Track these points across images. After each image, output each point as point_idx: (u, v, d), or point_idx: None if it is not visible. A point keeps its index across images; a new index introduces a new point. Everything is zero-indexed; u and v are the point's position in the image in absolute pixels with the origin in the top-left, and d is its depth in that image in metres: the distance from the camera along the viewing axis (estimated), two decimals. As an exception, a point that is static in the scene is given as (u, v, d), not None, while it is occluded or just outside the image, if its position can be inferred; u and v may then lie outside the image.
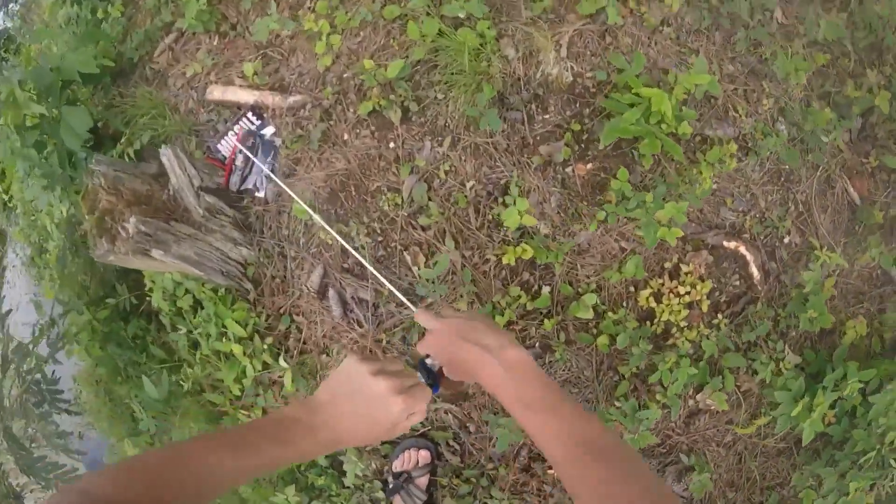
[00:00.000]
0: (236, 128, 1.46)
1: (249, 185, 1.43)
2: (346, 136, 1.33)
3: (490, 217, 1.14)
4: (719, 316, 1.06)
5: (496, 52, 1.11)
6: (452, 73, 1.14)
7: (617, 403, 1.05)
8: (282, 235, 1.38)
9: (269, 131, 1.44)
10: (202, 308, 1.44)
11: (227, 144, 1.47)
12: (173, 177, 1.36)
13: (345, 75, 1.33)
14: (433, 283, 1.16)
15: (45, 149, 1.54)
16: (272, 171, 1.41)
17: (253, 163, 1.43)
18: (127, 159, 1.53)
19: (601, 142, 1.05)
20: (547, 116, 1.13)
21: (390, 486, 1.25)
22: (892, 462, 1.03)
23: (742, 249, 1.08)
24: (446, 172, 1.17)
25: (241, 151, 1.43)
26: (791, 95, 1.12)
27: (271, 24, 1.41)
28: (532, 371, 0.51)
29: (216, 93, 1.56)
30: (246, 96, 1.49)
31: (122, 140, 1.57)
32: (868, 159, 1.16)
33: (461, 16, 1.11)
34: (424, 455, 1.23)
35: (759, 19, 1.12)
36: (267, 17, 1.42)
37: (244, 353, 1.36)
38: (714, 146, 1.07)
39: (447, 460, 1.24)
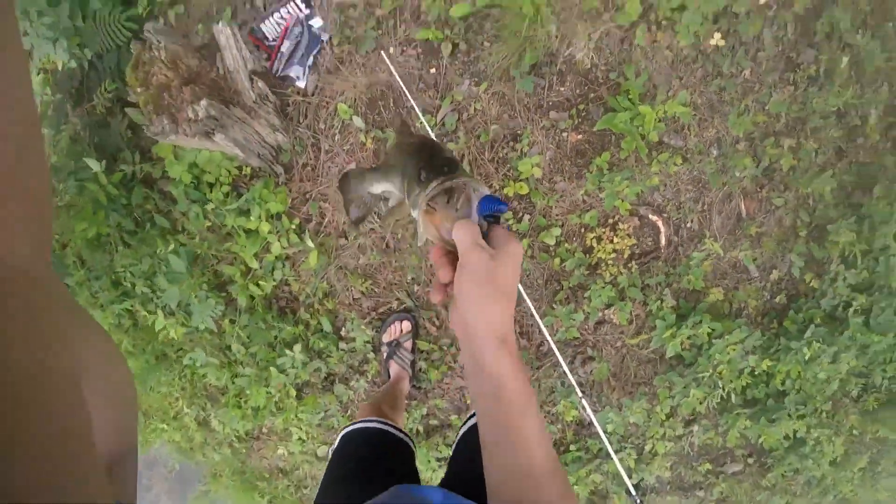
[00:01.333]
0: (284, 11, 1.51)
1: (291, 72, 1.52)
2: (391, 50, 1.51)
3: (501, 154, 1.48)
4: (633, 263, 1.56)
5: (544, 25, 1.40)
6: (502, 24, 1.41)
7: (555, 306, 1.54)
8: (318, 128, 1.53)
9: (316, 23, 1.51)
10: (224, 185, 1.54)
11: (273, 27, 1.51)
12: (228, 57, 1.40)
13: (406, 2, 1.45)
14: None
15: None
16: (314, 64, 1.51)
17: (296, 50, 1.51)
18: (163, 23, 1.51)
19: (596, 125, 1.43)
20: (562, 89, 1.46)
21: (384, 353, 1.60)
22: (719, 384, 1.66)
23: (659, 223, 1.56)
24: (476, 110, 1.48)
25: (287, 38, 1.54)
26: (729, 133, 1.57)
27: None
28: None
29: None
30: None
31: (143, 1, 1.50)
32: (761, 191, 1.67)
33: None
34: (407, 325, 1.59)
35: (731, 72, 1.52)
36: None
37: (271, 231, 1.53)
38: (666, 151, 1.50)
39: (426, 329, 1.67)
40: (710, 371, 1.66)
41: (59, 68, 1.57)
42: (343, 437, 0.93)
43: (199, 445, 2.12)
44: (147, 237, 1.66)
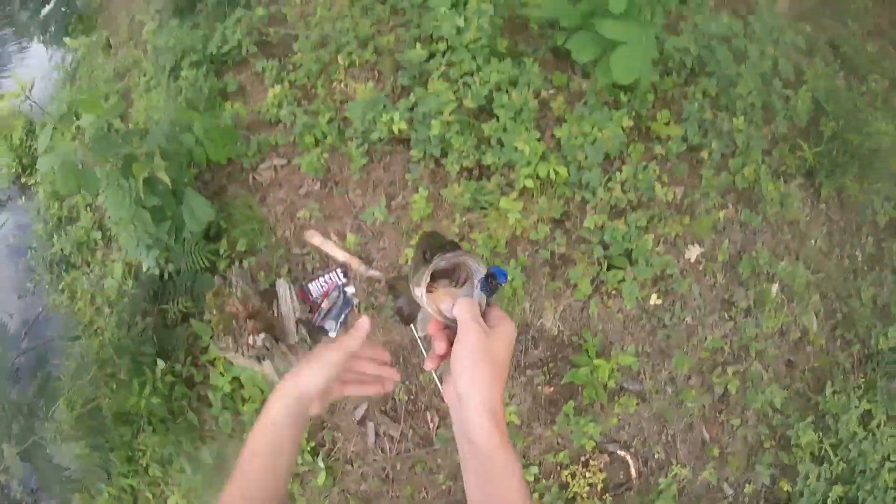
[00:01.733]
0: (327, 277, 1.99)
1: (326, 325, 1.95)
2: None
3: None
4: (607, 495, 1.77)
5: (519, 303, 1.79)
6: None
7: None
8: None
9: (350, 290, 1.99)
10: (257, 402, 1.84)
11: (318, 287, 1.99)
12: (283, 304, 1.86)
13: None
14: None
15: (163, 216, 1.76)
16: (345, 321, 1.95)
17: (332, 308, 1.95)
18: (238, 265, 1.96)
19: (564, 379, 1.76)
20: (536, 352, 1.82)
21: None
22: None
23: (627, 457, 1.80)
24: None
25: (328, 298, 1.97)
26: (680, 372, 1.87)
27: (377, 213, 1.98)
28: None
29: (315, 240, 2.08)
30: (339, 254, 2.01)
31: (224, 243, 2.00)
32: (720, 415, 1.91)
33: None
34: None
35: (674, 321, 1.87)
36: (375, 207, 1.99)
37: None
38: (626, 395, 1.79)
39: None
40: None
41: (143, 270, 1.94)
42: None
43: None
44: (176, 428, 1.90)
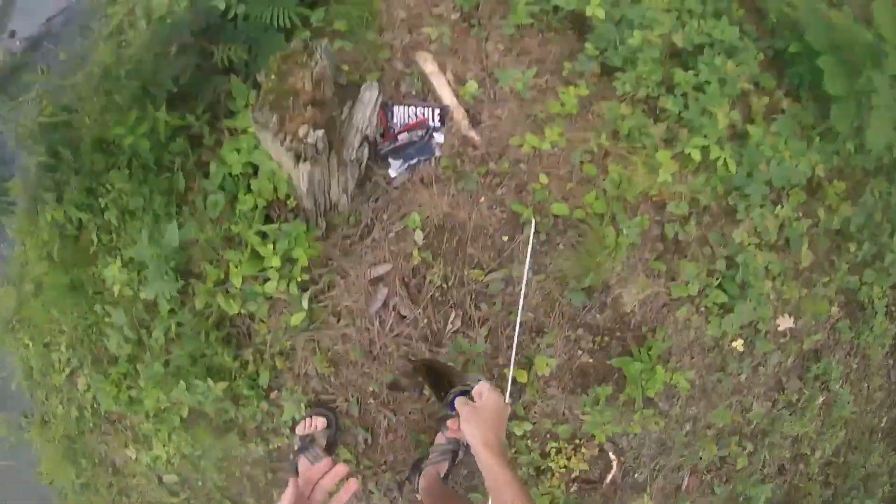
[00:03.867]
0: (419, 110, 1.63)
1: (391, 159, 1.60)
2: (481, 200, 1.63)
3: (519, 340, 1.61)
4: (574, 484, 1.67)
5: (614, 261, 1.57)
6: (582, 240, 1.56)
7: (480, 488, 1.63)
8: (381, 216, 1.57)
9: (439, 137, 1.62)
10: (261, 199, 1.49)
11: (403, 115, 1.62)
12: (360, 111, 1.43)
13: (525, 169, 1.57)
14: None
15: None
16: (415, 167, 1.59)
17: (408, 146, 1.59)
18: (320, 39, 1.45)
19: (612, 361, 1.59)
20: (598, 316, 1.61)
21: (296, 446, 1.53)
22: None
23: (614, 463, 1.70)
24: (519, 290, 1.61)
25: (409, 132, 1.60)
26: (706, 417, 1.75)
27: (513, 78, 1.63)
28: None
29: (428, 66, 1.68)
30: (446, 94, 1.63)
31: (320, 13, 1.59)
32: (708, 475, 1.85)
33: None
34: (321, 421, 1.54)
35: (732, 372, 1.76)
36: (514, 71, 1.64)
37: (277, 269, 1.47)
38: (652, 409, 1.66)
39: (355, 441, 1.64)
40: None
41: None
42: None
43: (50, 387, 1.89)
44: (156, 182, 1.58)
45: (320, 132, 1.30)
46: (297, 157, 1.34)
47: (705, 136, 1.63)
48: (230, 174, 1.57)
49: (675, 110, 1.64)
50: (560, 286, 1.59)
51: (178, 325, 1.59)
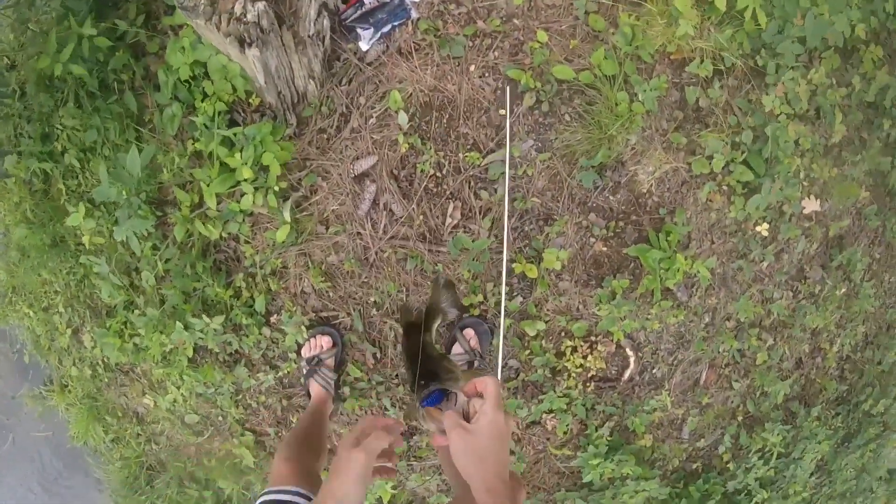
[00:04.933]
0: None
1: (360, 29, 1.36)
2: (471, 68, 1.41)
3: (526, 228, 1.45)
4: (592, 383, 1.59)
5: (628, 132, 1.38)
6: (592, 109, 1.37)
7: (504, 392, 1.52)
8: (357, 101, 1.38)
9: None
10: (221, 102, 1.31)
11: None
12: None
13: (519, 25, 1.36)
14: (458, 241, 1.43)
15: None
16: (388, 35, 1.35)
17: (377, 10, 1.35)
18: None
19: (628, 250, 1.44)
20: (611, 198, 1.46)
21: (304, 370, 1.46)
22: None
23: (631, 359, 1.60)
24: (524, 174, 1.43)
25: None
26: (724, 309, 1.64)
27: None
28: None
29: None
30: None
31: None
32: (725, 368, 1.77)
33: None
34: (327, 340, 1.46)
35: (755, 259, 1.64)
36: None
37: (250, 181, 1.31)
38: (669, 300, 1.54)
39: (363, 356, 1.56)
40: (612, 505, 1.72)
41: None
42: None
43: (60, 350, 1.90)
44: (106, 108, 1.41)
45: (261, 5, 1.07)
46: (242, 43, 1.12)
47: (725, -24, 1.38)
48: (180, 80, 1.36)
49: (697, -51, 1.39)
50: (568, 165, 1.42)
51: (165, 261, 1.49)
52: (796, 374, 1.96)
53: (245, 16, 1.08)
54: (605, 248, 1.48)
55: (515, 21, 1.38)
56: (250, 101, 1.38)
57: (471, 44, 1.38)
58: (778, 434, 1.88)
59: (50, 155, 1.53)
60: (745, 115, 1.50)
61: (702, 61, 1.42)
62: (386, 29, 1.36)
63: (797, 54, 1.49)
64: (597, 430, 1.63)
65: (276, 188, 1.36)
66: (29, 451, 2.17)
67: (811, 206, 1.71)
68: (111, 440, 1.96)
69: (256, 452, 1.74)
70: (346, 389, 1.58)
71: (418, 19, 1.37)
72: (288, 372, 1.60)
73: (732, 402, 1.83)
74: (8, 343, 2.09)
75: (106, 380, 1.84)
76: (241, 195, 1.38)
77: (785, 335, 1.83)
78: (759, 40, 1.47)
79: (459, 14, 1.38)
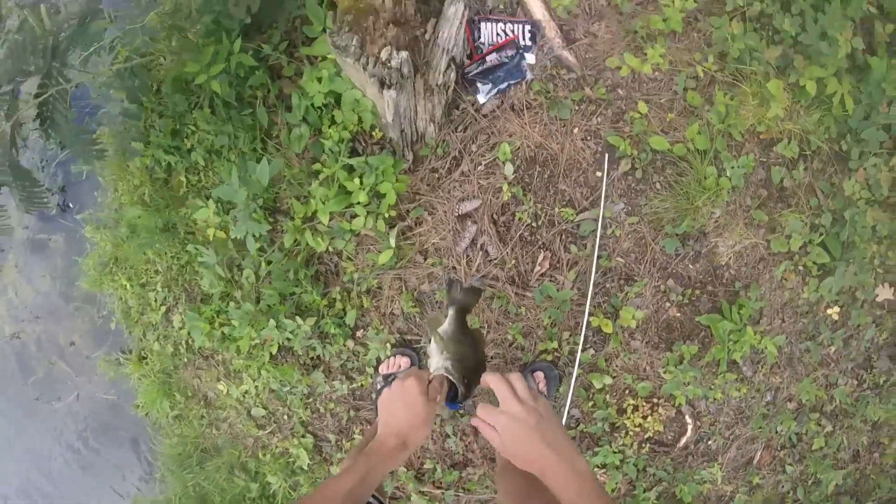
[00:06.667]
0: (509, 27, 1.52)
1: (480, 83, 1.51)
2: (575, 130, 1.53)
3: (607, 286, 1.54)
4: (647, 445, 1.62)
5: (714, 205, 1.48)
6: (681, 180, 1.48)
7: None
8: (469, 148, 1.53)
9: (529, 58, 1.52)
10: (346, 131, 1.47)
11: (491, 33, 1.52)
12: (445, 29, 1.35)
13: (623, 95, 1.49)
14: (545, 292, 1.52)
15: None
16: (504, 92, 1.50)
17: (497, 69, 1.50)
18: None
19: (700, 318, 1.51)
20: (691, 267, 1.55)
21: (378, 386, 1.54)
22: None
23: (689, 427, 1.63)
24: (612, 234, 1.53)
25: (498, 53, 1.49)
26: (787, 389, 1.67)
27: None
28: (592, 481, 0.62)
29: None
30: (536, 8, 1.50)
31: None
32: (780, 451, 1.78)
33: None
34: (405, 361, 1.56)
35: (823, 342, 1.67)
36: None
37: (364, 205, 1.45)
38: (734, 373, 1.58)
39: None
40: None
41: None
42: None
43: (147, 324, 1.99)
44: (239, 119, 1.57)
45: (404, 54, 1.23)
46: (382, 84, 1.28)
47: (823, 66, 1.48)
48: (312, 105, 1.54)
49: (791, 32, 1.48)
50: (654, 230, 1.52)
51: (268, 263, 1.61)
52: (851, 466, 1.94)
53: (390, 61, 1.23)
54: (678, 314, 1.55)
55: (619, 91, 1.52)
56: (373, 133, 1.53)
57: (577, 108, 1.52)
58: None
59: (177, 149, 1.69)
60: (827, 198, 1.57)
61: (789, 142, 1.52)
62: (503, 86, 1.52)
63: (881, 141, 1.56)
64: (644, 493, 1.66)
65: (387, 215, 1.49)
66: (84, 411, 2.23)
67: (885, 293, 1.75)
68: (174, 416, 2.01)
69: (313, 455, 1.80)
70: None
71: (532, 80, 1.52)
72: (361, 385, 1.69)
73: (783, 486, 1.82)
74: (96, 308, 2.15)
75: (185, 360, 1.93)
76: (353, 217, 1.51)
77: (845, 424, 1.84)
78: (845, 125, 1.56)
79: (569, 79, 1.53)
